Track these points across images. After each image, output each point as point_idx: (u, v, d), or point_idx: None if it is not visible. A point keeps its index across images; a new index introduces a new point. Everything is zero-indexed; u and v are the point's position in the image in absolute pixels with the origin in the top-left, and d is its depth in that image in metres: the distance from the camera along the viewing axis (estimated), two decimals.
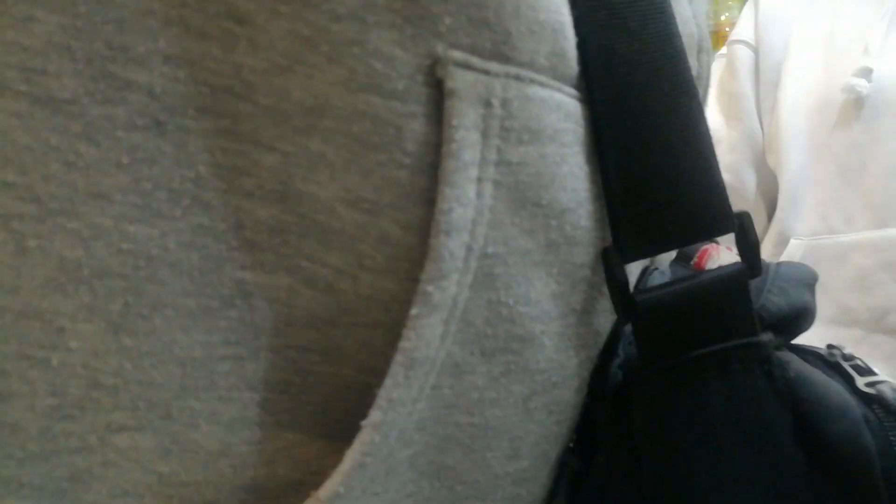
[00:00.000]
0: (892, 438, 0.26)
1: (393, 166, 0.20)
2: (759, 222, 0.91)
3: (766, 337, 0.26)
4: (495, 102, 0.20)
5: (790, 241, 0.78)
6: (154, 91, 0.19)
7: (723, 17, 1.59)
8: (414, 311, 0.20)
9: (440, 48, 0.20)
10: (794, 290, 0.28)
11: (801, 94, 0.83)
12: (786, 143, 0.82)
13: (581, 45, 0.23)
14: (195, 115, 0.19)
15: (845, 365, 0.28)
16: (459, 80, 0.20)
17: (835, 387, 0.26)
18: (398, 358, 0.20)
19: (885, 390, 0.27)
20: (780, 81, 0.85)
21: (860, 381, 0.27)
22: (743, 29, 0.92)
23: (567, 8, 0.22)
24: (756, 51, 0.90)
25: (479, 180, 0.21)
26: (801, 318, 0.28)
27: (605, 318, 0.27)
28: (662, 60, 0.25)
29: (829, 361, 0.28)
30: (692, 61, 0.28)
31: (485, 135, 0.20)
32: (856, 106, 0.77)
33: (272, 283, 0.21)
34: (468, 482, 0.24)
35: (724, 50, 0.97)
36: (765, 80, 0.88)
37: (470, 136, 0.20)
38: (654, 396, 0.26)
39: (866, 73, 0.76)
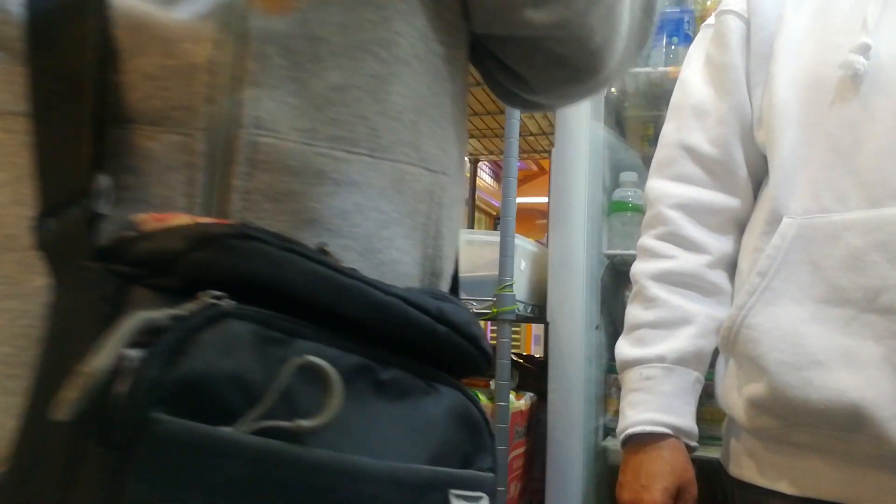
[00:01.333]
0: None
1: None
2: (746, 199, 0.90)
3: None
4: None
5: (783, 220, 0.77)
6: None
7: (709, 3, 1.57)
8: None
9: None
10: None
11: (795, 70, 0.81)
12: (779, 120, 0.80)
13: None
14: None
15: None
16: None
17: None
18: None
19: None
20: (773, 56, 0.83)
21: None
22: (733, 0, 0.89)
23: None
24: (748, 22, 0.87)
25: None
26: None
27: None
28: None
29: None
30: None
31: None
32: (853, 83, 0.76)
33: None
34: None
35: (711, 20, 0.94)
36: (756, 52, 0.86)
37: None
38: None
39: (864, 49, 0.74)
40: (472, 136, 2.15)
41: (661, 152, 0.94)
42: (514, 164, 1.33)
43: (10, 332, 0.35)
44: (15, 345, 0.34)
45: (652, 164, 0.96)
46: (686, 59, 0.97)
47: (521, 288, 1.39)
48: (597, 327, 1.48)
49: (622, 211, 1.58)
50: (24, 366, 0.31)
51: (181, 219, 0.32)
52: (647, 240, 0.93)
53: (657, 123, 1.86)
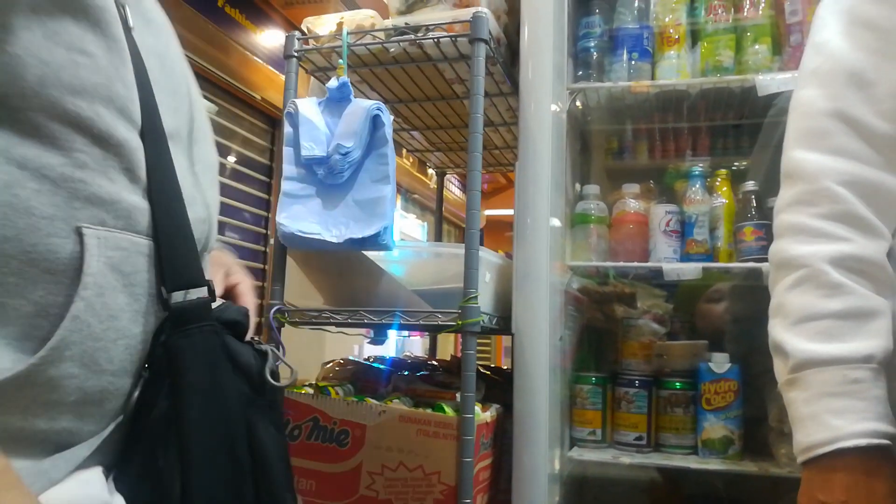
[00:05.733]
0: None
1: None
2: None
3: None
4: None
5: None
6: None
7: (667, 19, 1.61)
8: None
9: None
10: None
11: None
12: None
13: None
14: None
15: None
16: None
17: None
18: None
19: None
20: None
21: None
22: None
23: None
24: None
25: None
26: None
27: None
28: None
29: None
30: None
31: None
32: None
33: None
34: None
35: None
36: None
37: None
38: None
39: None
40: (438, 150, 2.16)
41: (808, 122, 0.82)
42: (478, 178, 1.34)
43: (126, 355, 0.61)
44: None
45: (792, 134, 0.84)
46: (817, 22, 0.86)
47: (486, 300, 1.40)
48: (560, 339, 1.49)
49: (585, 223, 1.61)
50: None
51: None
52: (808, 218, 0.79)
53: (620, 137, 1.90)
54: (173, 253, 0.61)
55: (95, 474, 0.56)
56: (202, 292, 0.64)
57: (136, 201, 0.59)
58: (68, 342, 0.53)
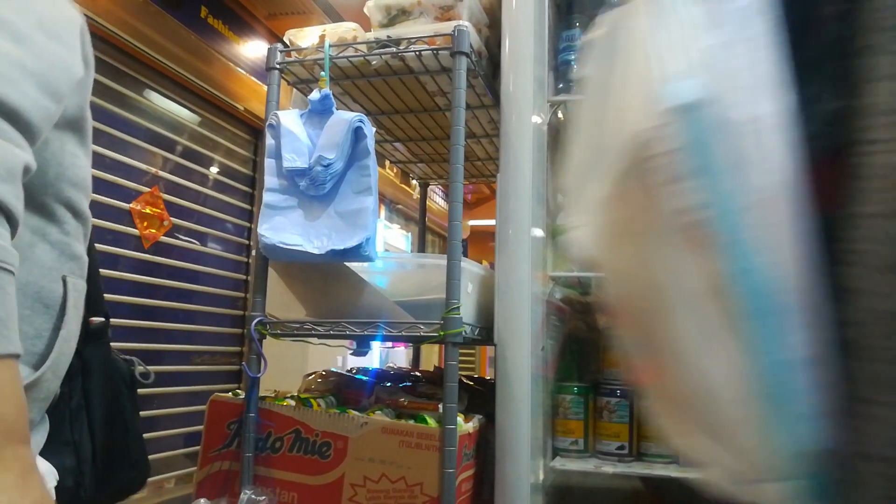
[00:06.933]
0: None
1: None
2: None
3: None
4: None
5: None
6: None
7: None
8: None
9: None
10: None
11: None
12: None
13: None
14: None
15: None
16: None
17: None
18: None
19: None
20: None
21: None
22: None
23: None
24: None
25: None
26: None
27: None
28: None
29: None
30: None
31: None
32: None
33: None
34: None
35: None
36: None
37: None
38: None
39: None
40: (421, 161, 2.17)
41: None
42: (460, 189, 1.35)
43: None
44: None
45: None
46: None
47: (468, 311, 1.41)
48: (542, 349, 1.50)
49: (566, 234, 1.62)
50: None
51: None
52: None
53: None
54: (92, 289, 0.85)
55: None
56: (103, 318, 0.93)
57: (86, 258, 0.83)
58: (56, 358, 0.74)
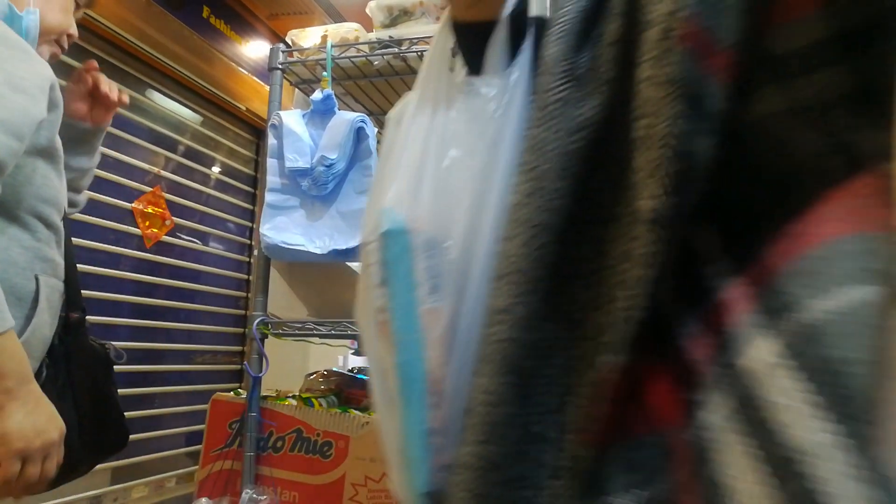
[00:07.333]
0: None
1: None
2: None
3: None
4: None
5: None
6: None
7: None
8: None
9: None
10: None
11: None
12: None
13: None
14: None
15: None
16: None
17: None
18: None
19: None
20: None
21: None
22: None
23: None
24: None
25: None
26: None
27: None
28: None
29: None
30: None
31: None
32: None
33: None
34: None
35: None
36: None
37: None
38: None
39: None
40: None
41: None
42: None
43: None
44: None
45: None
46: None
47: None
48: None
49: None
50: None
51: None
52: None
53: None
54: (70, 290, 1.03)
55: None
56: (80, 312, 1.08)
57: (60, 261, 1.00)
58: (27, 343, 0.89)
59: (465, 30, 0.71)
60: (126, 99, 1.20)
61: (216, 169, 2.89)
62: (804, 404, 0.20)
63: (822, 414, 0.19)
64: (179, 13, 2.55)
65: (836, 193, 0.26)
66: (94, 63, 1.23)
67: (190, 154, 2.74)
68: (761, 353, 0.22)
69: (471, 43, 0.71)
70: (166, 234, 2.57)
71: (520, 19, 0.58)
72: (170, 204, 2.59)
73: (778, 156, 0.27)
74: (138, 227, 2.44)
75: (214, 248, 2.89)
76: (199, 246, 2.78)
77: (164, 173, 2.57)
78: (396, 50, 1.43)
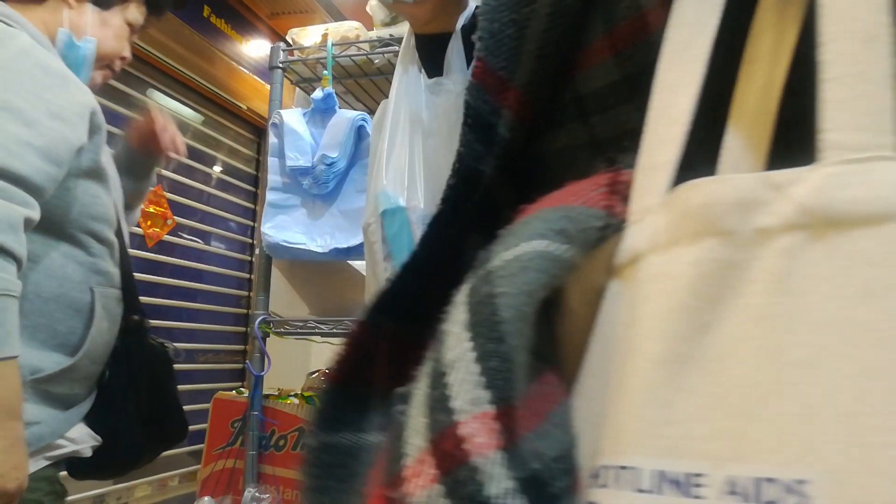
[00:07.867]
0: None
1: None
2: None
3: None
4: None
5: None
6: None
7: None
8: None
9: None
10: None
11: None
12: None
13: None
14: None
15: None
16: None
17: None
18: None
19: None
20: None
21: None
22: None
23: None
24: None
25: None
26: None
27: None
28: None
29: None
30: None
31: None
32: None
33: None
34: None
35: None
36: None
37: None
38: None
39: None
40: None
41: None
42: None
43: None
44: None
45: None
46: None
47: None
48: None
49: None
50: None
51: None
52: None
53: None
54: (128, 296, 1.08)
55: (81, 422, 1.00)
56: (140, 315, 1.13)
57: (115, 271, 1.05)
58: (88, 350, 0.97)
59: (425, 41, 0.85)
60: (183, 151, 1.25)
61: (217, 168, 2.89)
62: (461, 329, 0.25)
63: (465, 335, 0.24)
64: (180, 12, 2.55)
65: (575, 183, 0.30)
66: (168, 117, 1.26)
67: (191, 153, 2.73)
68: (458, 296, 0.27)
69: (430, 51, 0.86)
70: (168, 234, 2.58)
71: (472, 30, 0.68)
72: (171, 203, 2.59)
73: (566, 176, 0.32)
74: (140, 227, 2.44)
75: (216, 248, 2.89)
76: (200, 245, 2.78)
77: (165, 172, 2.57)
78: (397, 48, 1.43)
